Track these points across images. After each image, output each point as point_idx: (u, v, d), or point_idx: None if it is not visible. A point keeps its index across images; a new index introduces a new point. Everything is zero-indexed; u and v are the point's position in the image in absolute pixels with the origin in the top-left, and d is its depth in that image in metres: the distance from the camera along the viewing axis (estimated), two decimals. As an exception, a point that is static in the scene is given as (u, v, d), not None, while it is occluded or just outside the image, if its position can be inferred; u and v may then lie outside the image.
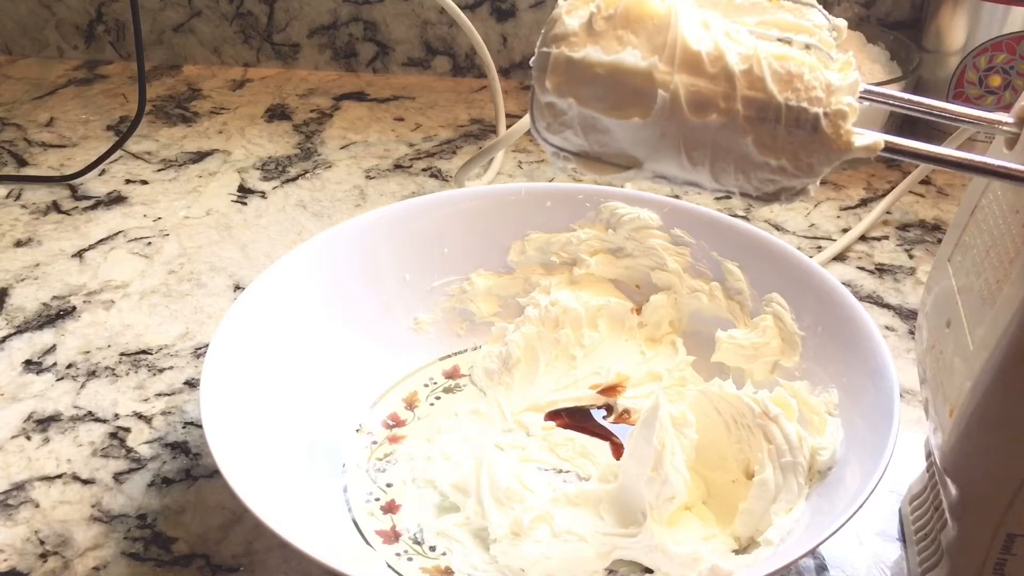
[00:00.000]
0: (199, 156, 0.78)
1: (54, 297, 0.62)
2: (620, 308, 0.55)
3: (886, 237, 0.67)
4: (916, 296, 0.60)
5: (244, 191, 0.73)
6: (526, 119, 0.65)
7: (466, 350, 0.56)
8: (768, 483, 0.43)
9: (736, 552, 0.43)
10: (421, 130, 0.80)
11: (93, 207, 0.72)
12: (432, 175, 0.74)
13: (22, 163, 0.77)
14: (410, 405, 0.53)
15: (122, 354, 0.58)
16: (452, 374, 0.55)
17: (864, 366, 0.45)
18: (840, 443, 0.44)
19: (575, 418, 0.52)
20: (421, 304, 0.56)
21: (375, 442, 0.50)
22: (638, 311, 0.56)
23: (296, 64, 0.90)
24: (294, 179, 0.74)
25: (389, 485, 0.48)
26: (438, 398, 0.53)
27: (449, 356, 0.56)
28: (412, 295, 0.56)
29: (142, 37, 0.80)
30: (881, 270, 0.64)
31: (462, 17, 0.74)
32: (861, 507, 0.38)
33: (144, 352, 0.58)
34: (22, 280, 0.64)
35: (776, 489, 0.43)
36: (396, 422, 0.52)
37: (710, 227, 0.54)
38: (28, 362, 0.57)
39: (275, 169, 0.76)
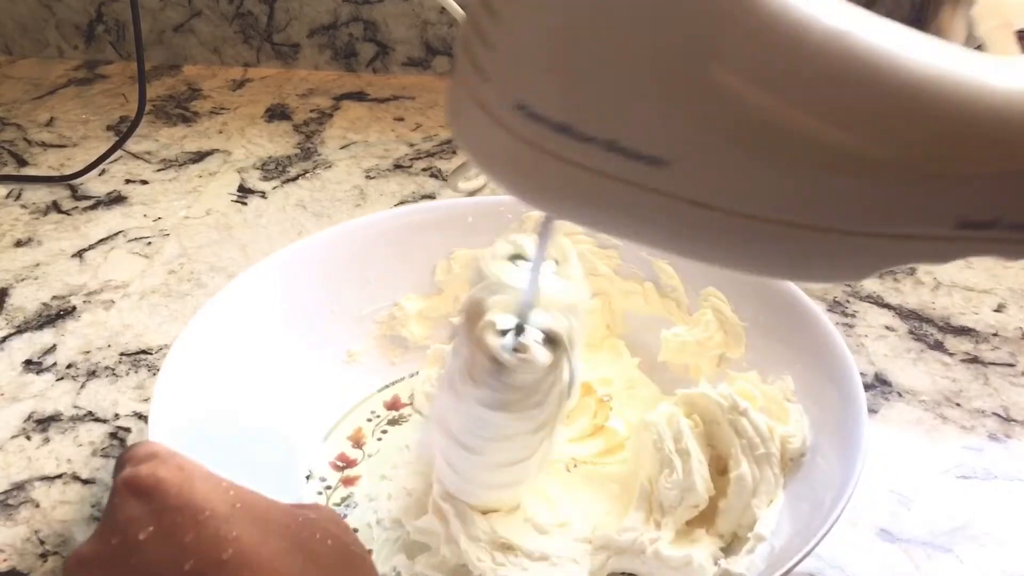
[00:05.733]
0: (199, 156, 0.78)
1: (54, 297, 0.62)
2: None
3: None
4: (916, 296, 0.60)
5: (244, 191, 0.73)
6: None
7: (403, 378, 0.54)
8: (745, 478, 0.43)
9: (723, 550, 0.43)
10: (421, 130, 0.80)
11: (93, 207, 0.72)
12: (432, 175, 0.74)
13: (22, 163, 0.77)
14: (357, 443, 0.51)
15: (122, 354, 0.58)
16: (394, 404, 0.53)
17: (816, 349, 0.45)
18: (807, 428, 0.44)
19: None
20: (351, 335, 0.54)
21: (329, 487, 0.48)
22: None
23: (296, 64, 0.90)
24: (294, 179, 0.74)
25: (355, 530, 0.44)
26: (384, 432, 0.51)
27: (387, 386, 0.54)
28: (341, 327, 0.54)
29: (142, 37, 0.80)
30: (881, 270, 0.64)
31: (462, 17, 0.74)
32: (853, 492, 0.38)
33: (144, 352, 0.58)
34: (22, 280, 0.64)
35: (754, 482, 0.43)
36: (346, 462, 0.50)
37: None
38: (28, 362, 0.57)
39: (275, 169, 0.76)
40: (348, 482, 0.49)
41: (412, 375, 0.54)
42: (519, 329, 0.39)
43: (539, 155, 0.28)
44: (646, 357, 0.53)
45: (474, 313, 0.40)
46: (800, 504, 0.42)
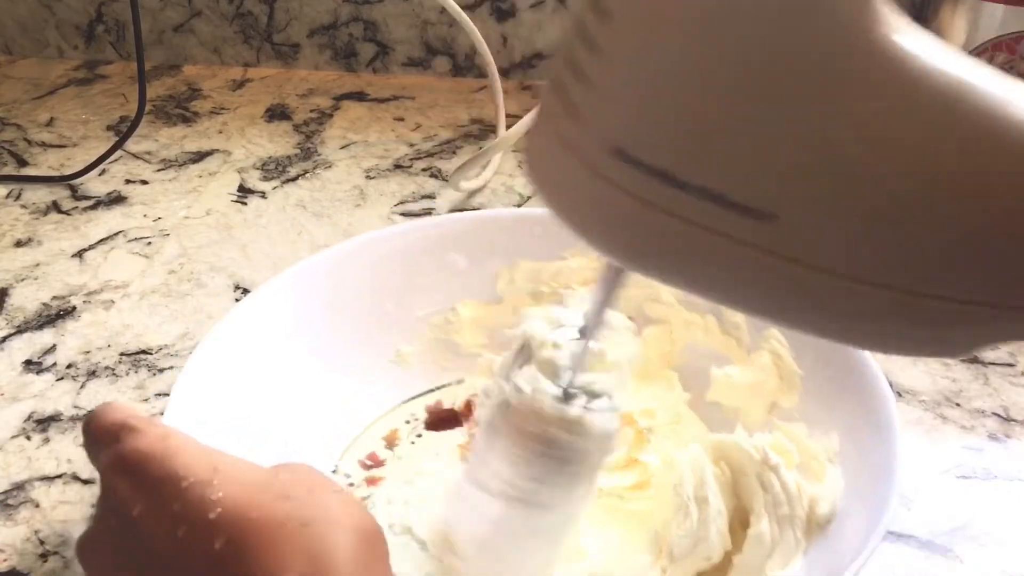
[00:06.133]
0: (199, 156, 0.78)
1: (54, 297, 0.62)
2: None
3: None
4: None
5: (244, 191, 0.73)
6: (526, 119, 0.65)
7: (450, 383, 0.53)
8: (764, 536, 0.40)
9: None
10: (421, 130, 0.80)
11: (93, 207, 0.72)
12: (432, 175, 0.74)
13: (22, 163, 0.77)
14: (390, 443, 0.51)
15: (122, 354, 0.58)
16: (436, 409, 0.52)
17: (866, 412, 0.43)
18: (840, 493, 0.41)
19: None
20: (403, 335, 0.53)
21: (352, 484, 0.48)
22: None
23: (296, 64, 0.90)
24: (294, 179, 0.74)
25: None
26: (419, 436, 0.51)
27: (433, 390, 0.53)
28: (394, 325, 0.53)
29: (142, 37, 0.80)
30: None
31: (462, 17, 0.74)
32: (863, 565, 0.36)
33: (144, 352, 0.58)
34: (22, 280, 0.64)
35: (772, 543, 0.41)
36: (374, 462, 0.50)
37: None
38: (28, 362, 0.57)
39: (275, 169, 0.76)
40: (371, 482, 0.49)
41: (459, 381, 0.53)
42: (567, 393, 0.36)
43: (632, 203, 0.26)
44: (698, 393, 0.50)
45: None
46: (816, 573, 0.40)
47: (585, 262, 0.53)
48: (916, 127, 0.24)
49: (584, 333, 0.35)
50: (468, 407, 0.52)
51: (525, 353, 0.39)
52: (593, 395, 0.36)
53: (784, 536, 0.41)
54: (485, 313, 0.54)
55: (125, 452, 0.31)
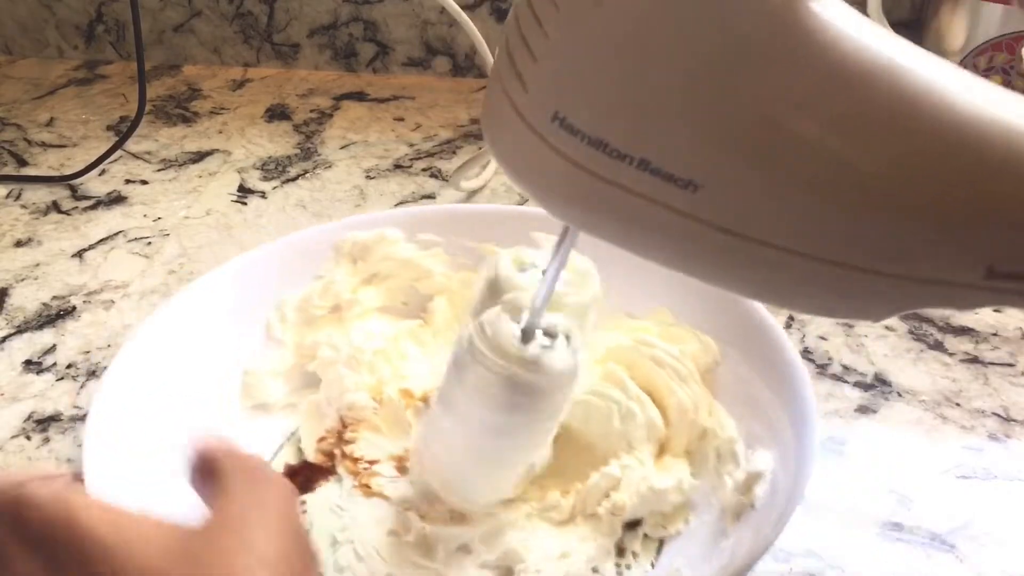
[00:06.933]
0: (199, 156, 0.78)
1: (54, 297, 0.62)
2: (409, 326, 0.53)
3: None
4: (916, 296, 0.60)
5: (244, 191, 0.73)
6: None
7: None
8: (684, 400, 0.46)
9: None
10: (421, 130, 0.80)
11: (93, 207, 0.72)
12: (432, 175, 0.74)
13: (22, 163, 0.77)
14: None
15: (122, 354, 0.58)
16: (294, 469, 0.48)
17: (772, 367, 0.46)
18: (711, 342, 0.47)
19: None
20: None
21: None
22: (426, 322, 0.53)
23: (296, 64, 0.90)
24: (294, 179, 0.74)
25: None
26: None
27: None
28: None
29: (142, 37, 0.80)
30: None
31: (462, 17, 0.74)
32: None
33: (144, 352, 0.58)
34: (22, 280, 0.64)
35: (692, 400, 0.46)
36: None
37: (454, 221, 0.54)
38: (28, 362, 0.57)
39: (275, 169, 0.76)
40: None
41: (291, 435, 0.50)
42: (527, 333, 0.38)
43: (572, 168, 0.28)
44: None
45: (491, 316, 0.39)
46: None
47: (342, 270, 0.52)
48: (834, 103, 0.26)
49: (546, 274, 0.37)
50: (328, 454, 0.48)
51: (493, 292, 0.41)
52: (552, 335, 0.38)
53: (694, 390, 0.46)
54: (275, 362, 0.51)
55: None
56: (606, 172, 0.27)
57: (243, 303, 0.50)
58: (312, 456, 0.48)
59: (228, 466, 0.30)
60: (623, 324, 0.50)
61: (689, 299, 0.48)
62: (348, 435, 0.48)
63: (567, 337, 0.39)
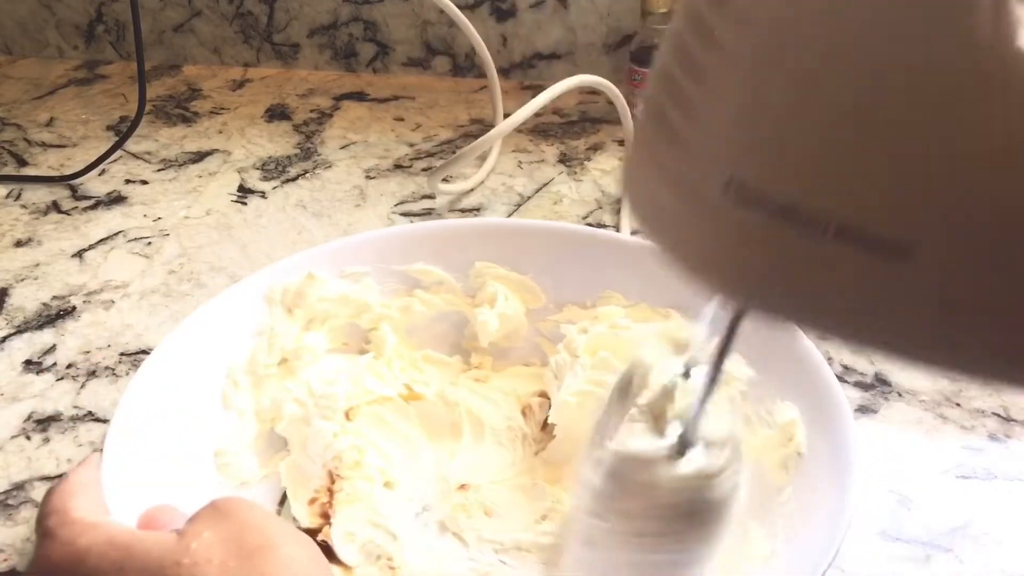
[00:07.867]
0: (199, 156, 0.78)
1: (54, 297, 0.62)
2: (365, 361, 0.52)
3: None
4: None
5: (244, 191, 0.73)
6: (500, 126, 0.64)
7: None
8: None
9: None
10: (421, 130, 0.80)
11: (93, 207, 0.72)
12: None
13: (22, 163, 0.77)
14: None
15: (122, 354, 0.58)
16: None
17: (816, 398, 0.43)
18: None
19: None
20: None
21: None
22: (377, 354, 0.52)
23: (296, 64, 0.90)
24: (294, 179, 0.74)
25: None
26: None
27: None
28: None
29: (142, 37, 0.80)
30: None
31: (462, 17, 0.74)
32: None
33: (144, 352, 0.58)
34: (22, 280, 0.64)
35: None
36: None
37: (375, 249, 0.53)
38: (28, 362, 0.57)
39: (275, 169, 0.76)
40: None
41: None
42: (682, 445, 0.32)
43: (749, 240, 0.23)
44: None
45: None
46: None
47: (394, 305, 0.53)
48: None
49: (689, 375, 0.32)
50: (323, 515, 0.47)
51: (624, 397, 0.35)
52: (709, 444, 0.32)
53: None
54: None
55: (38, 563, 0.32)
56: (794, 242, 0.23)
57: (195, 377, 0.47)
58: (307, 521, 0.46)
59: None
60: (583, 315, 0.51)
61: (634, 280, 0.49)
62: (335, 487, 0.47)
63: (721, 446, 0.32)
